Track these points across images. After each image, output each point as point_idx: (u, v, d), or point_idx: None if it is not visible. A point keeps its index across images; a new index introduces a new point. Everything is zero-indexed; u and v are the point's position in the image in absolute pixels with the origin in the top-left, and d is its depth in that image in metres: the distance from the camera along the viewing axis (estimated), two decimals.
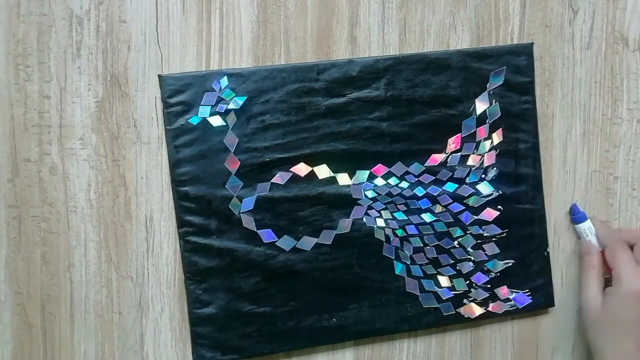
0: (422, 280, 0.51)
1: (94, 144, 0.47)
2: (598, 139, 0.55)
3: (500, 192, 0.52)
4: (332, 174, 0.49)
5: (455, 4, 0.51)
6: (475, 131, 0.51)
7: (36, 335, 0.48)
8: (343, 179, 0.49)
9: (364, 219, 0.50)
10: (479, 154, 0.51)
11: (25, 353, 0.48)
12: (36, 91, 0.46)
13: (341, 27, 0.50)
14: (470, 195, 0.51)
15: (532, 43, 0.52)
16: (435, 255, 0.51)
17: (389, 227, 0.50)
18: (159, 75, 0.47)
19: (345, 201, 0.49)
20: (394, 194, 0.50)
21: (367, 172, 0.50)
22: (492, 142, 0.51)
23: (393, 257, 0.50)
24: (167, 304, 0.49)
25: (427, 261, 0.51)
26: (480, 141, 0.51)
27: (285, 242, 0.49)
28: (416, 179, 0.50)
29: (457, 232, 0.51)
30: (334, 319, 0.50)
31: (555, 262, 0.54)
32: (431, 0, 0.51)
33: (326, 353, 0.52)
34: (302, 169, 0.49)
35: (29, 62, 0.46)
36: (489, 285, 0.52)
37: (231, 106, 0.47)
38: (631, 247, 0.51)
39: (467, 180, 0.51)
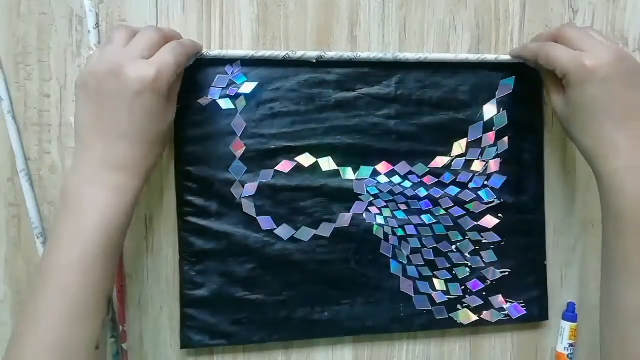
0: (417, 281, 0.51)
1: None
2: None
3: (502, 200, 0.52)
4: (336, 167, 0.49)
5: (455, 4, 0.51)
6: (482, 137, 0.51)
7: None
8: (346, 173, 0.49)
9: (364, 215, 0.50)
10: (484, 160, 0.51)
11: None
12: (36, 90, 0.47)
13: (341, 26, 0.50)
14: (471, 201, 0.51)
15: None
16: (432, 258, 0.51)
17: (389, 226, 0.50)
18: None
19: (347, 195, 0.49)
20: (396, 192, 0.50)
21: (371, 168, 0.50)
22: (497, 149, 0.51)
23: (390, 256, 0.50)
24: (167, 302, 0.49)
25: (423, 263, 0.51)
26: (485, 147, 0.51)
27: (284, 231, 0.48)
28: (419, 180, 0.50)
29: (456, 236, 0.51)
30: (326, 313, 0.49)
31: (555, 262, 0.54)
32: (431, 0, 0.51)
33: (325, 350, 0.51)
34: (306, 159, 0.49)
35: (29, 61, 0.46)
36: (484, 293, 0.52)
37: (242, 90, 0.47)
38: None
39: (470, 186, 0.51)
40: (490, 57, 0.50)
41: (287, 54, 0.47)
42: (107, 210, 0.38)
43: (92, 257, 0.37)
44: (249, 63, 0.47)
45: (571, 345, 0.54)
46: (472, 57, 0.50)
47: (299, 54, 0.47)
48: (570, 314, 0.54)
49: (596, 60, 0.42)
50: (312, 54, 0.47)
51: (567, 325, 0.54)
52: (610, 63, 0.42)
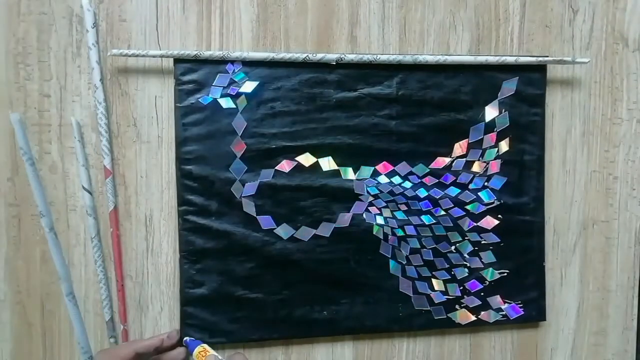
0: (416, 281, 0.51)
1: (93, 142, 0.47)
2: (598, 138, 0.55)
3: (502, 202, 0.52)
4: (336, 167, 0.49)
5: (455, 4, 0.51)
6: (483, 138, 0.51)
7: (35, 333, 0.48)
8: (347, 173, 0.49)
9: (364, 215, 0.50)
10: (484, 161, 0.51)
11: (25, 351, 0.48)
12: (36, 90, 0.47)
13: (341, 26, 0.50)
14: (471, 202, 0.51)
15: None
16: (432, 258, 0.51)
17: (388, 226, 0.50)
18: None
19: (347, 195, 0.49)
20: (396, 192, 0.50)
21: (372, 168, 0.50)
22: (498, 150, 0.51)
23: (389, 256, 0.50)
24: (167, 303, 0.49)
25: (422, 263, 0.51)
26: (486, 148, 0.51)
27: (284, 231, 0.49)
28: (419, 180, 0.50)
29: (455, 237, 0.51)
30: (325, 312, 0.50)
31: (555, 262, 0.54)
32: (431, 0, 0.51)
33: (325, 348, 0.52)
34: (307, 159, 0.49)
35: (29, 61, 0.46)
36: (482, 294, 0.52)
37: (243, 89, 0.47)
38: None
39: (470, 186, 0.51)
40: (510, 59, 0.50)
41: (307, 55, 0.47)
42: None
43: None
44: (249, 62, 0.47)
45: None
46: (492, 59, 0.50)
47: (319, 56, 0.47)
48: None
49: None
50: (331, 56, 0.47)
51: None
52: None
